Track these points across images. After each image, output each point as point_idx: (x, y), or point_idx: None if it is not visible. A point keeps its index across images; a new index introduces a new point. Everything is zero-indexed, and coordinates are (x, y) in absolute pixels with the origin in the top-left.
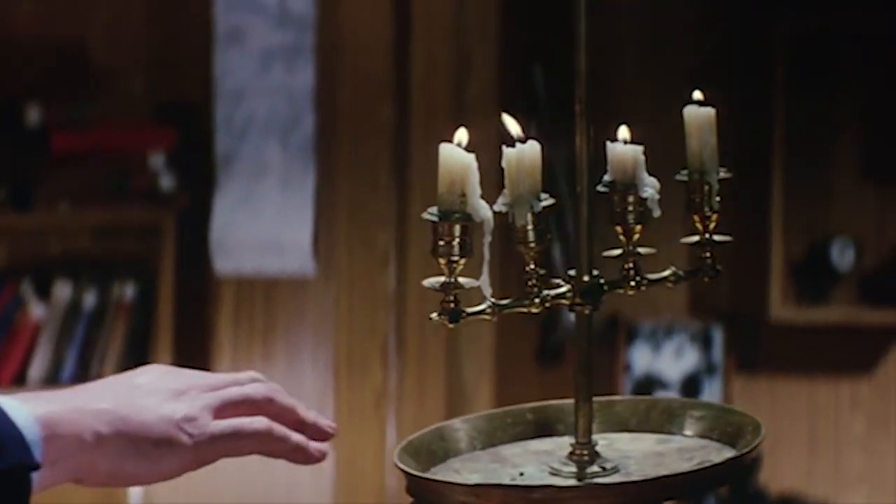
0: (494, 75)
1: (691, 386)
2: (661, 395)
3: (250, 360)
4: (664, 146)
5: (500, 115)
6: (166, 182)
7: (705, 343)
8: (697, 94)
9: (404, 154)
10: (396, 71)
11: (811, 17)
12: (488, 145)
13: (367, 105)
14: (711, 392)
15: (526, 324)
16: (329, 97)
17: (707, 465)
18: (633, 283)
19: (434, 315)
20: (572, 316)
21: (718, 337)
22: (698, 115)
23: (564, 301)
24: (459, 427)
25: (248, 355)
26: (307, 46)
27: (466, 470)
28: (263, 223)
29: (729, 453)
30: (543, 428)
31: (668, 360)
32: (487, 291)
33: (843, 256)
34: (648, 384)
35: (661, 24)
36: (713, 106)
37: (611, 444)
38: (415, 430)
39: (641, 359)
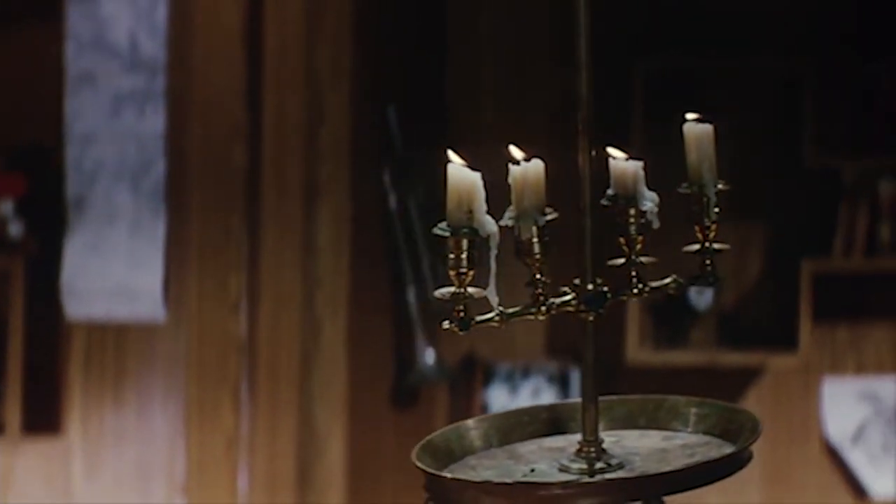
0: (348, 118)
1: None
2: None
3: (101, 406)
4: None
5: (352, 159)
6: (15, 229)
7: (562, 384)
8: (691, 116)
9: (256, 199)
10: (248, 115)
11: (670, 54)
12: (341, 185)
13: (219, 150)
14: None
15: (380, 367)
16: (180, 142)
17: (703, 461)
18: (635, 291)
19: (446, 323)
20: (427, 358)
21: (576, 378)
22: (697, 130)
23: (569, 308)
24: (477, 426)
25: (98, 401)
26: (158, 91)
27: (482, 467)
28: (114, 268)
29: (729, 450)
30: (558, 425)
31: (525, 400)
32: (494, 301)
33: (701, 296)
34: None
35: (523, 61)
36: (573, 141)
37: (619, 440)
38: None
39: (498, 399)
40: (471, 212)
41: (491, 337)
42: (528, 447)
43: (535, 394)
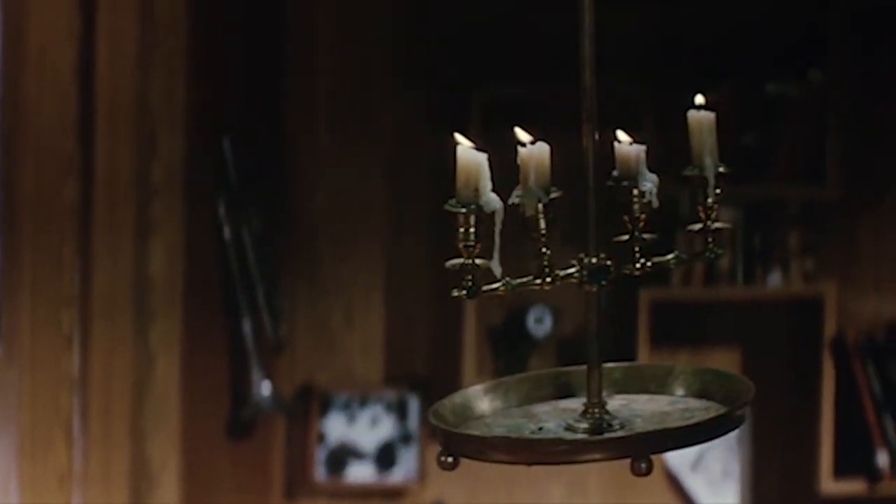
0: (181, 150)
1: (386, 454)
2: (356, 465)
3: None
4: (363, 208)
5: (185, 191)
6: None
7: (401, 413)
8: (699, 99)
9: (88, 233)
10: (80, 149)
11: (507, 83)
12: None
13: (51, 184)
14: (407, 461)
15: (216, 400)
16: (11, 176)
17: (691, 423)
18: (637, 266)
19: (455, 291)
20: (263, 390)
21: (414, 407)
22: (700, 117)
23: (573, 280)
24: (499, 387)
25: None
26: None
27: (496, 424)
28: None
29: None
30: (575, 389)
31: (363, 429)
32: (498, 271)
33: (540, 324)
34: (343, 453)
35: (361, 90)
36: (407, 168)
37: (629, 403)
38: None
39: (336, 429)
40: (477, 190)
41: (329, 367)
42: (543, 408)
43: (374, 422)
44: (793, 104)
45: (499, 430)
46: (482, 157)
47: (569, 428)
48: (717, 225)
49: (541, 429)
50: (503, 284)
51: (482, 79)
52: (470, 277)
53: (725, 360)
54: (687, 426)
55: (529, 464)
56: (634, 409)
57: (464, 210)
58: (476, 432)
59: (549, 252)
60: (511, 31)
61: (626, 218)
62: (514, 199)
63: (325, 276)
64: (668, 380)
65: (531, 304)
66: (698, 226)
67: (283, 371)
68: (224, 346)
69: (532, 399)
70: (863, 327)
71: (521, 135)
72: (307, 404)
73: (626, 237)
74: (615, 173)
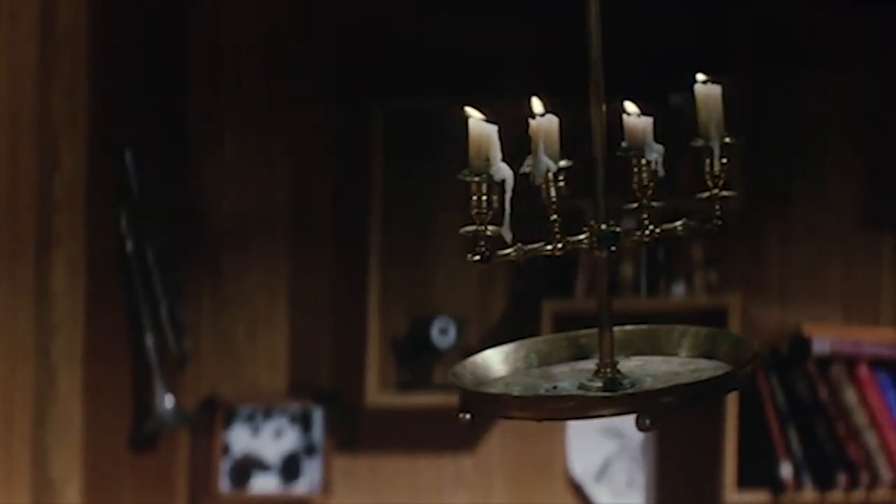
0: (83, 163)
1: (291, 466)
2: (260, 477)
3: None
4: (266, 221)
5: (87, 204)
6: None
7: (305, 424)
8: (701, 77)
9: None
10: None
11: (408, 99)
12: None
13: None
14: (312, 472)
15: (119, 414)
16: None
17: (697, 380)
18: (647, 232)
19: (469, 256)
20: (166, 403)
21: (319, 418)
22: (707, 91)
23: (583, 246)
24: (520, 349)
25: None
26: None
27: (515, 383)
28: None
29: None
30: (593, 350)
31: (268, 441)
32: (508, 236)
33: (444, 335)
34: (247, 465)
35: (263, 100)
36: (310, 182)
37: (643, 364)
38: None
39: (240, 440)
40: (488, 159)
41: (233, 379)
42: (561, 368)
43: (278, 434)
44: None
45: (516, 390)
46: (492, 129)
47: (582, 387)
48: (724, 193)
49: (555, 388)
50: (515, 249)
51: (383, 93)
52: (483, 244)
53: None
54: (692, 383)
55: (540, 419)
56: (647, 369)
57: (476, 179)
58: (493, 390)
59: (559, 219)
60: (410, 44)
61: (634, 186)
62: (525, 169)
63: (228, 289)
64: (682, 342)
65: (435, 316)
66: (706, 193)
67: (187, 384)
68: (127, 360)
69: (551, 361)
70: (767, 339)
71: (536, 105)
72: (211, 417)
73: (635, 204)
74: (624, 144)
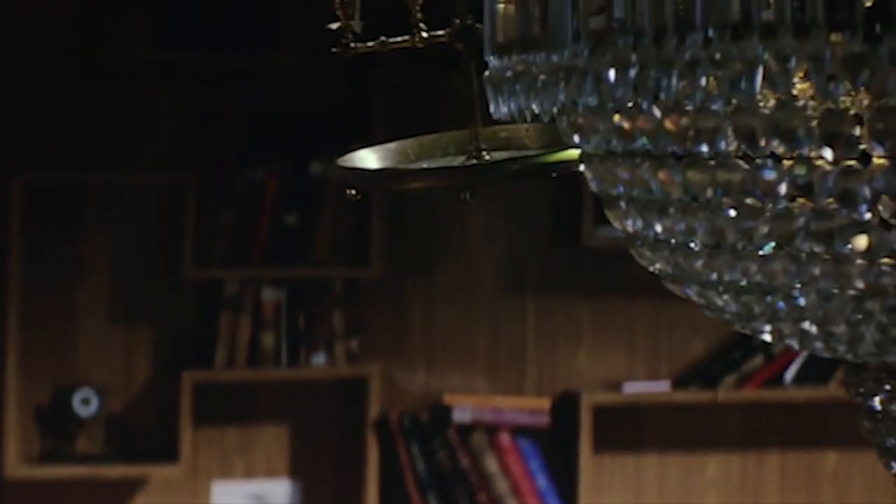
0: None
1: None
2: None
3: None
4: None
5: None
6: None
7: None
8: None
9: None
10: None
11: (52, 168)
12: None
13: None
14: None
15: None
16: None
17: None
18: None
19: (333, 49)
20: None
21: None
22: None
23: (443, 40)
24: (400, 147)
25: None
26: None
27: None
28: None
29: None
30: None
31: None
32: (358, 28)
33: (86, 405)
34: None
35: None
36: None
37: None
38: None
39: None
40: None
41: None
42: (439, 161)
43: None
44: (334, 183)
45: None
46: None
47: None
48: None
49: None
50: (378, 43)
51: (26, 164)
52: (347, 38)
53: (275, 436)
54: (530, 156)
55: (433, 188)
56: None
57: None
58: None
59: (420, 16)
60: (53, 111)
61: None
62: None
63: None
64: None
65: (77, 386)
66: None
67: None
68: None
69: (434, 156)
70: (409, 407)
71: None
72: None
73: None
74: None
